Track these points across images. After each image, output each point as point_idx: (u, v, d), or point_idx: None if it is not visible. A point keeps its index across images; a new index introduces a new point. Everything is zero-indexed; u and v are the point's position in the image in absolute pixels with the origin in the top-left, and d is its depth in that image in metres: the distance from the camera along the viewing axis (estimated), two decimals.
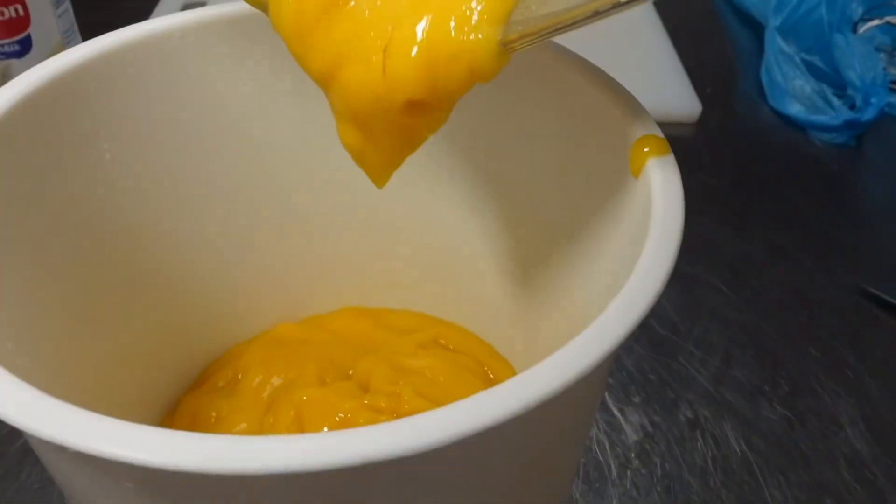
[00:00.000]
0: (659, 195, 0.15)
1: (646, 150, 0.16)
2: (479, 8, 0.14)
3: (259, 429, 0.22)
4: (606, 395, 0.27)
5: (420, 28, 0.14)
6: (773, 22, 0.44)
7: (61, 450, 0.10)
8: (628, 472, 0.25)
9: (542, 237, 0.22)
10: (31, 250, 0.17)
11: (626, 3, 0.13)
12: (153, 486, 0.12)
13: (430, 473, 0.12)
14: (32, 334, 0.17)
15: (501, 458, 0.13)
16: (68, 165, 0.19)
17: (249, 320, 0.26)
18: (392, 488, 0.12)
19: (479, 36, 0.14)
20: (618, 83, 0.18)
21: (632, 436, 0.26)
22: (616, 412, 0.27)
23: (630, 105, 0.17)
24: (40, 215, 0.18)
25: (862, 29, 0.45)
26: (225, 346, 0.26)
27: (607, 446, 0.25)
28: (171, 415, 0.24)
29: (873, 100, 0.40)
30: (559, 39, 0.19)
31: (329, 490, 0.11)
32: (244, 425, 0.22)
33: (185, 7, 0.49)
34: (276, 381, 0.24)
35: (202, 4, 0.45)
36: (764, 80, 0.44)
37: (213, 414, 0.23)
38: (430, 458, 0.10)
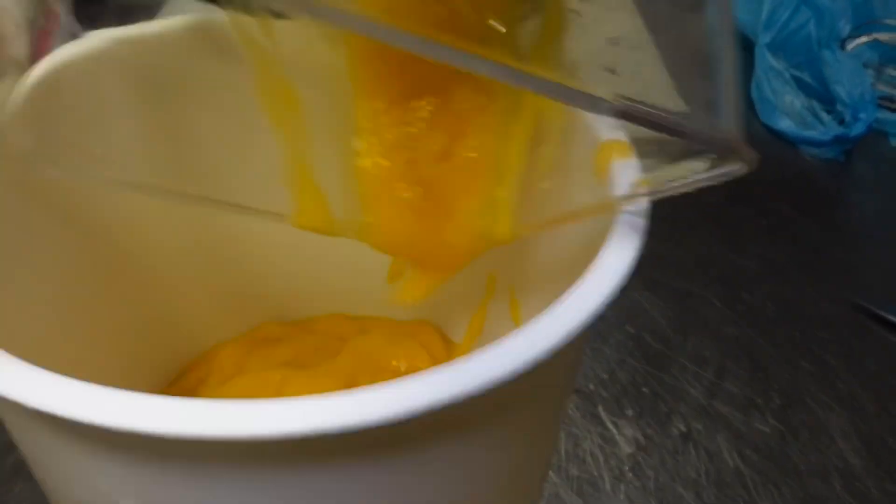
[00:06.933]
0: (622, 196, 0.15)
1: (610, 152, 0.16)
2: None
3: None
4: (600, 407, 0.27)
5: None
6: (763, 38, 0.45)
7: (23, 411, 0.10)
8: (622, 485, 0.25)
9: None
10: (18, 250, 0.18)
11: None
12: (126, 449, 0.11)
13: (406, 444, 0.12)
14: (14, 327, 0.17)
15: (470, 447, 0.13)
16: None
17: (232, 323, 0.26)
18: (372, 460, 0.12)
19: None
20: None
21: (625, 449, 0.26)
22: (610, 425, 0.27)
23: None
24: (29, 217, 0.18)
25: (850, 46, 0.45)
26: (207, 346, 0.26)
27: (601, 459, 0.25)
28: None
29: (862, 115, 0.40)
30: None
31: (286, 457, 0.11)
32: None
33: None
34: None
35: None
36: (754, 95, 0.45)
37: None
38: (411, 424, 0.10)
